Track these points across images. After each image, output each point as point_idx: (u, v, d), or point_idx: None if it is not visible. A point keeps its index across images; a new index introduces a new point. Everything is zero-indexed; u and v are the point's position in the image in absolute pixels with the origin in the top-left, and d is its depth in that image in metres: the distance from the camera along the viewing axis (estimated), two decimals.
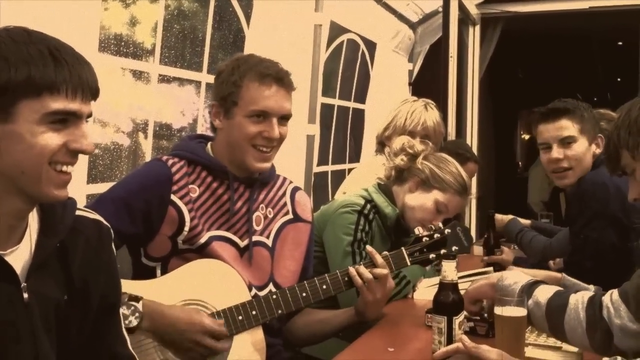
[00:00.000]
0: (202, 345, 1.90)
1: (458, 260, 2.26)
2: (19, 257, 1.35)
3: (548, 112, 2.72)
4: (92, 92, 1.34)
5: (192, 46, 2.82)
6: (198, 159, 2.11)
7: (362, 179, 3.23)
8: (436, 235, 2.27)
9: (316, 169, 3.99)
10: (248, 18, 3.16)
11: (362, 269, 2.15)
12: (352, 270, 2.14)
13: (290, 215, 2.26)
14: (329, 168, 4.29)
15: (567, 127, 2.67)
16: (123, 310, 1.81)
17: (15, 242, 1.35)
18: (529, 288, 1.82)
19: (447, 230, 2.29)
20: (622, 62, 9.53)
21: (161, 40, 2.61)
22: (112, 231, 1.55)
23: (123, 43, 2.43)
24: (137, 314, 1.84)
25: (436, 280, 2.67)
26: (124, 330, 1.60)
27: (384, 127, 3.32)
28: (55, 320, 1.41)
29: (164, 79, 2.68)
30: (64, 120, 1.30)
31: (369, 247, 2.23)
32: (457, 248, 2.27)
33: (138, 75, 2.54)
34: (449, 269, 1.94)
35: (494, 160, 9.62)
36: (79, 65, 1.32)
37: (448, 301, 1.90)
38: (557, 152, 2.69)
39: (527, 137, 13.36)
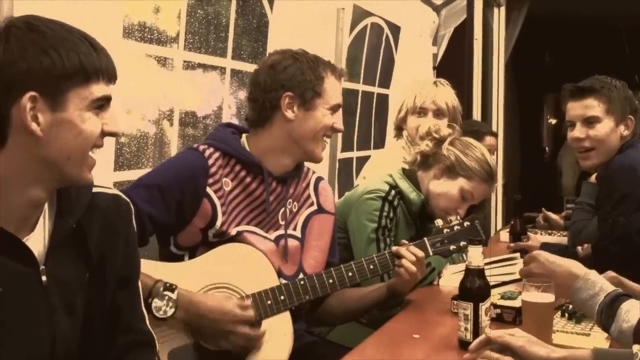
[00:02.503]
0: (236, 333, 1.92)
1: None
2: (36, 240, 1.37)
3: (575, 90, 2.69)
4: (116, 76, 1.39)
5: (216, 32, 2.81)
6: (233, 152, 2.09)
7: (382, 164, 3.21)
8: (456, 228, 2.29)
9: (340, 155, 3.98)
10: (271, 3, 3.14)
11: (403, 249, 2.18)
12: (395, 248, 2.21)
13: (315, 207, 2.28)
14: (354, 154, 4.26)
15: (593, 106, 2.64)
16: (157, 301, 1.84)
17: (31, 226, 1.37)
18: (609, 310, 1.67)
19: (465, 223, 2.30)
20: None
21: (185, 26, 2.60)
22: (132, 206, 1.56)
23: (147, 29, 2.43)
24: (171, 304, 1.86)
25: (462, 266, 2.67)
26: (142, 306, 1.61)
27: (398, 110, 3.29)
28: (80, 301, 1.43)
29: (188, 66, 2.67)
30: (102, 105, 1.35)
31: (401, 243, 2.25)
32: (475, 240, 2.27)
33: (162, 61, 2.54)
34: (475, 254, 1.92)
35: (519, 145, 9.52)
36: (106, 52, 1.37)
37: (474, 287, 1.89)
38: (579, 131, 2.66)
39: (553, 121, 13.20)
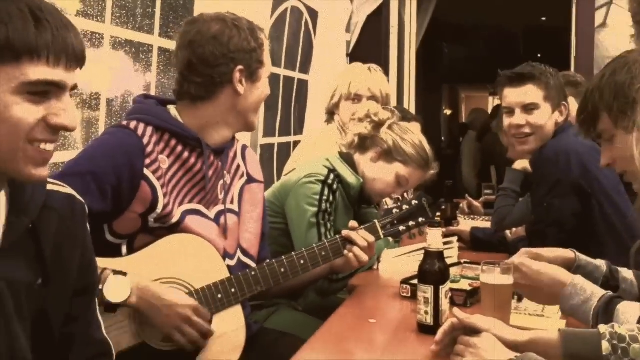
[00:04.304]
0: (191, 322, 1.81)
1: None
2: None
3: (514, 76, 2.68)
4: (77, 59, 1.19)
5: (143, 7, 2.65)
6: (167, 126, 1.93)
7: (314, 148, 3.17)
8: (404, 207, 2.26)
9: (262, 141, 3.88)
10: None
11: (354, 234, 2.14)
12: (346, 232, 2.15)
13: (245, 177, 2.17)
14: (276, 140, 4.17)
15: (532, 93, 2.65)
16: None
17: None
18: (605, 311, 1.63)
19: (413, 202, 2.27)
20: (543, 38, 9.82)
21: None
22: (86, 207, 1.41)
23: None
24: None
25: (401, 251, 2.67)
26: (98, 313, 1.48)
27: (331, 96, 3.26)
28: (29, 306, 1.28)
29: (115, 42, 2.50)
30: (45, 92, 1.16)
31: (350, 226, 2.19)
32: (423, 219, 2.26)
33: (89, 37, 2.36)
34: (435, 237, 1.89)
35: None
36: (64, 28, 1.17)
37: (434, 270, 1.86)
38: (519, 118, 2.67)
39: (448, 112, 13.61)
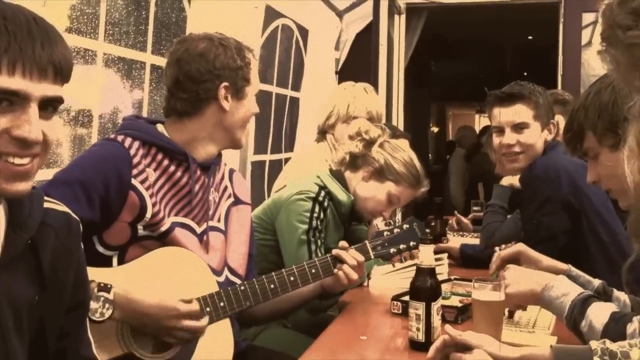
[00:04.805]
0: (181, 328, 1.82)
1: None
2: None
3: (504, 95, 2.71)
4: (41, 68, 1.13)
5: (136, 24, 2.66)
6: (154, 140, 1.96)
7: (304, 167, 3.17)
8: (395, 231, 2.29)
9: (253, 158, 3.89)
10: None
11: (344, 253, 2.15)
12: (336, 251, 2.16)
13: (232, 198, 2.18)
14: (267, 157, 4.18)
15: (522, 112, 2.68)
16: (92, 303, 1.68)
17: None
18: (581, 306, 1.71)
19: (405, 226, 2.30)
20: (529, 57, 9.92)
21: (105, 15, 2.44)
22: (80, 225, 1.40)
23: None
24: (107, 305, 1.73)
25: (389, 268, 2.67)
26: (89, 332, 1.48)
27: (327, 116, 3.26)
28: (28, 321, 1.28)
29: (108, 59, 2.51)
30: (10, 102, 1.12)
31: (340, 245, 2.20)
32: (414, 243, 2.28)
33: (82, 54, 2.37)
34: (426, 253, 1.90)
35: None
36: (27, 37, 1.11)
37: (426, 286, 1.87)
38: (509, 137, 2.69)
39: (435, 129, 13.68)
